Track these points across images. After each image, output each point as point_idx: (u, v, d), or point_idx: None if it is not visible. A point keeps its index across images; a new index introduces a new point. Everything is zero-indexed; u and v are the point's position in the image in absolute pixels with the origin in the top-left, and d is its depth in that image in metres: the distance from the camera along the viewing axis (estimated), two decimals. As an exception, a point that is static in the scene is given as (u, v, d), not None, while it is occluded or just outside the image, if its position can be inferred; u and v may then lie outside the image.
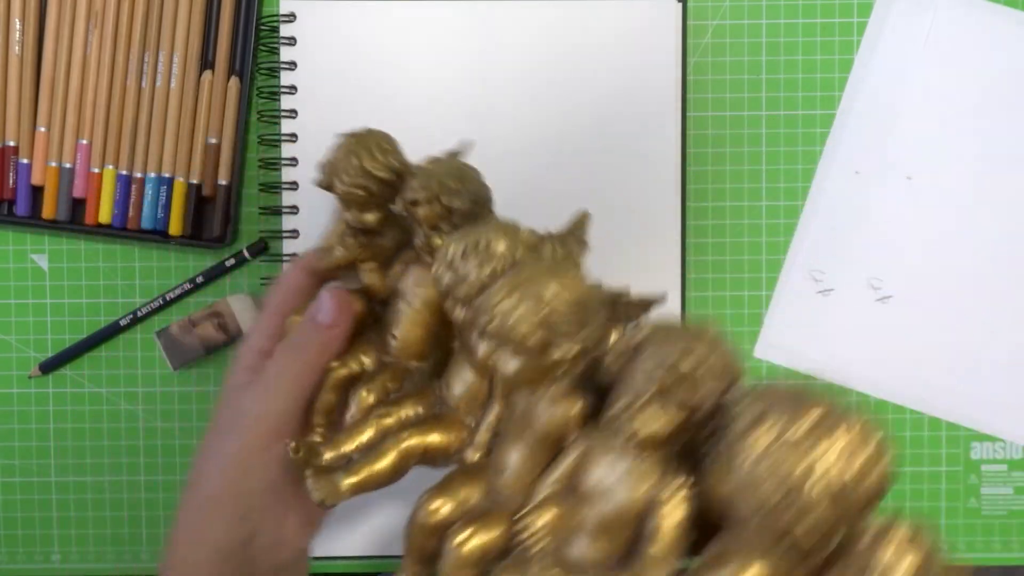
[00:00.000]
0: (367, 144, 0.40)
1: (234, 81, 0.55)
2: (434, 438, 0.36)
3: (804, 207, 0.56)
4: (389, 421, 0.37)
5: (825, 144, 0.55)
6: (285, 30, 0.55)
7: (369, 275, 0.42)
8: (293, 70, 0.55)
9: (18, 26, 0.55)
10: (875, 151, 0.55)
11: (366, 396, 0.39)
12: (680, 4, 0.55)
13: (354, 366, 0.41)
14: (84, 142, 0.55)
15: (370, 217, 0.41)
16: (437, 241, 0.38)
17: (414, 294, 0.40)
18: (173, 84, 0.55)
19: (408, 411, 0.38)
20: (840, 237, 0.55)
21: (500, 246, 0.34)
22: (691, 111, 0.55)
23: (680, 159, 0.55)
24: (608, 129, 0.54)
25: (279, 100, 0.55)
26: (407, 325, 0.40)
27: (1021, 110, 0.55)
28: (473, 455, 0.35)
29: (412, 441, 0.36)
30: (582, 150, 0.55)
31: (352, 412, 0.39)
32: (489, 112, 0.55)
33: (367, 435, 0.37)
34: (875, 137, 0.55)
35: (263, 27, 0.55)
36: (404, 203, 0.38)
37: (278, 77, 0.55)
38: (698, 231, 0.56)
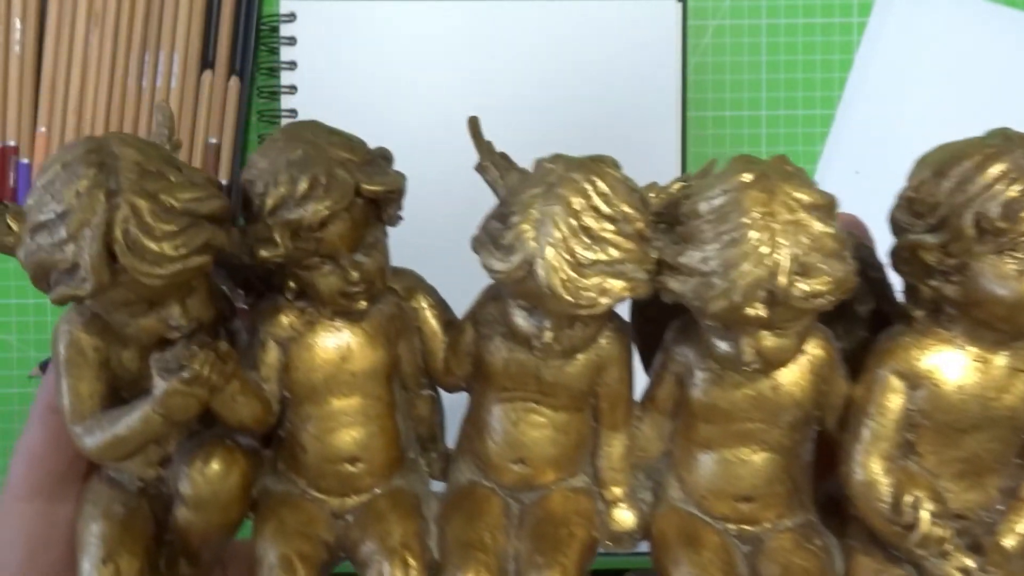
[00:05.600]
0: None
1: (234, 81, 0.55)
2: None
3: (804, 207, 0.56)
4: None
5: (825, 144, 0.55)
6: (285, 30, 0.55)
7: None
8: (293, 70, 0.55)
9: (18, 26, 0.55)
10: (875, 151, 0.55)
11: None
12: (680, 4, 0.55)
13: None
14: (84, 142, 0.55)
15: None
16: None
17: None
18: (173, 84, 0.55)
19: None
20: (840, 237, 0.55)
21: None
22: (691, 111, 0.55)
23: (680, 159, 0.55)
24: (608, 129, 0.54)
25: (279, 100, 0.55)
26: None
27: (1021, 109, 0.55)
28: None
29: None
30: (582, 149, 0.55)
31: None
32: (488, 111, 0.55)
33: None
34: (875, 137, 0.55)
35: (263, 27, 0.55)
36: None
37: (278, 77, 0.55)
38: (698, 231, 0.56)
